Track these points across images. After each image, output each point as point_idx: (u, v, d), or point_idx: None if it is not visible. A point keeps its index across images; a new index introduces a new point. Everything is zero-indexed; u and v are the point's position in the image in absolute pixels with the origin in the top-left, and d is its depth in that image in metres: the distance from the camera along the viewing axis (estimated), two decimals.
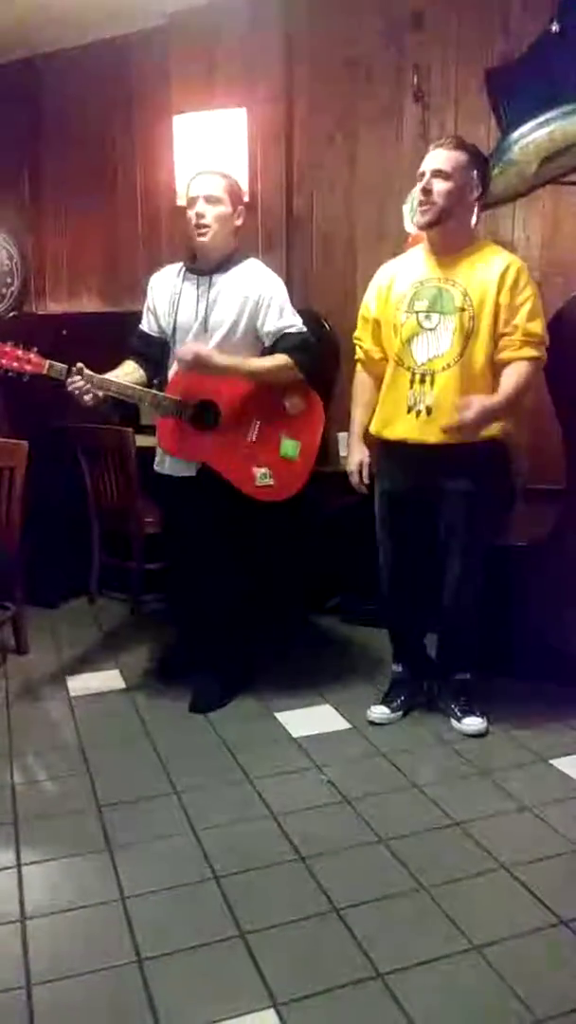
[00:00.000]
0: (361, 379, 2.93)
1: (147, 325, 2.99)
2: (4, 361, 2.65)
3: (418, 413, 2.67)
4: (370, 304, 2.84)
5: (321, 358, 2.91)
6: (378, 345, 2.82)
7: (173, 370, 2.90)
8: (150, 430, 3.03)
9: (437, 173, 2.61)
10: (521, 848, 2.22)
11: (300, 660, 3.46)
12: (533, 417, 3.33)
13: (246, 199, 3.05)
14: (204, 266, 2.88)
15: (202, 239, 2.82)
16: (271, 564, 3.54)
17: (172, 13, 4.07)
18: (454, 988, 1.76)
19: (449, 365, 2.64)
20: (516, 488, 3.10)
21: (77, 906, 2.02)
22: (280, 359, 2.83)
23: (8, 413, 3.98)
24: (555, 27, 3.26)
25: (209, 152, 4.06)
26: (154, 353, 2.96)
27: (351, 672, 3.38)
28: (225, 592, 3.03)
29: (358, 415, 2.92)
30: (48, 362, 2.68)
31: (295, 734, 2.88)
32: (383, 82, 3.77)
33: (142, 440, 3.57)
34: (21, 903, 2.03)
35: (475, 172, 2.65)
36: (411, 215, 3.40)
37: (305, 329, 2.88)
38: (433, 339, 2.66)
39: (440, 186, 2.60)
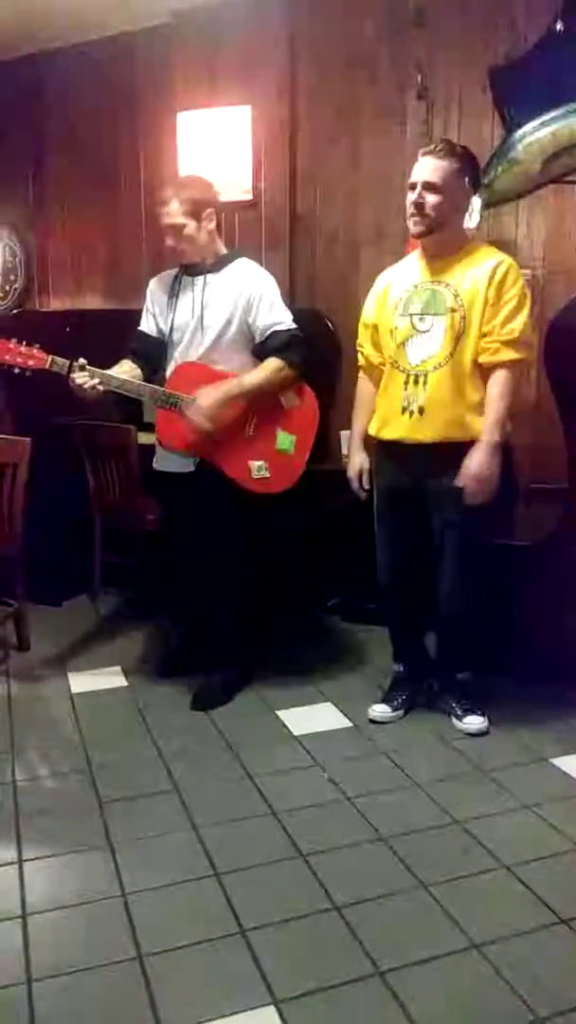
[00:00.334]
0: (363, 386, 2.96)
1: (146, 326, 3.05)
2: (7, 357, 2.73)
3: (411, 414, 2.69)
4: (370, 310, 2.87)
5: (311, 352, 2.96)
6: (378, 350, 2.84)
7: (171, 367, 2.96)
8: (152, 428, 3.04)
9: (428, 186, 2.60)
10: (521, 847, 2.22)
11: (302, 658, 3.47)
12: (533, 417, 3.33)
13: (220, 197, 3.05)
14: (197, 268, 2.95)
15: (180, 258, 2.94)
16: (273, 562, 3.55)
17: (176, 11, 4.07)
18: (454, 986, 1.77)
19: (440, 365, 2.65)
20: (515, 486, 3.10)
21: (78, 903, 2.03)
22: (272, 364, 2.88)
23: (12, 410, 3.99)
24: (559, 26, 3.26)
25: (213, 149, 4.07)
26: (151, 352, 3.02)
27: (352, 670, 3.39)
28: (226, 589, 3.05)
29: (359, 422, 2.94)
30: (51, 357, 2.75)
31: (296, 732, 2.89)
32: (386, 80, 3.77)
33: (144, 437, 3.58)
34: (22, 899, 2.03)
35: (466, 178, 2.66)
36: None
37: (294, 325, 2.92)
38: (426, 340, 2.67)
39: (432, 199, 2.60)
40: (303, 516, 3.56)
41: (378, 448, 2.87)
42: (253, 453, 2.93)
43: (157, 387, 2.89)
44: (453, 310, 2.63)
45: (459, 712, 2.89)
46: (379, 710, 2.95)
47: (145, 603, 4.01)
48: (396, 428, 2.73)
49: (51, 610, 3.99)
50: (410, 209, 2.64)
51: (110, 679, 3.32)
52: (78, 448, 3.96)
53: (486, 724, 2.85)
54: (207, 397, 2.81)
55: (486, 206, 3.46)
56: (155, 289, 3.05)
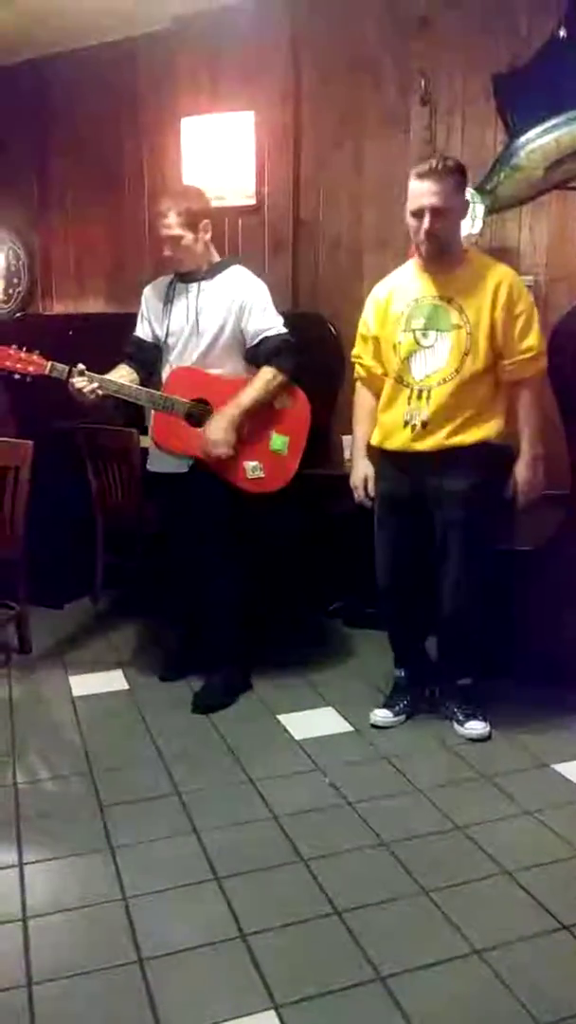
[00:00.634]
0: (362, 396, 2.96)
1: (141, 332, 3.10)
2: (8, 363, 2.79)
3: (413, 427, 2.71)
4: (369, 322, 2.86)
5: (301, 356, 3.00)
6: (378, 361, 2.84)
7: (167, 371, 3.01)
8: None
9: (436, 212, 2.58)
10: (523, 852, 2.22)
11: (303, 663, 3.47)
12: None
13: (224, 202, 3.13)
14: (192, 276, 3.00)
15: (177, 267, 2.99)
16: (271, 563, 3.55)
17: (177, 16, 4.08)
18: (455, 992, 1.76)
19: (445, 380, 2.66)
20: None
21: (78, 906, 2.03)
22: (265, 375, 2.94)
23: (14, 414, 4.00)
24: (562, 33, 3.27)
25: (216, 154, 4.08)
26: (147, 357, 3.07)
27: (354, 675, 3.38)
28: (225, 591, 3.07)
29: (360, 431, 2.95)
30: (50, 363, 2.82)
31: (297, 736, 2.88)
32: (389, 86, 3.78)
33: (146, 441, 3.59)
34: (23, 902, 2.03)
35: (463, 190, 2.68)
36: None
37: (284, 331, 2.97)
38: (431, 356, 2.69)
39: (442, 223, 2.60)
40: (300, 517, 3.57)
41: (379, 454, 2.88)
42: (248, 454, 2.97)
43: (154, 391, 2.96)
44: (458, 327, 2.64)
45: (461, 717, 2.88)
46: (381, 715, 2.95)
47: (146, 605, 4.01)
48: (398, 440, 2.75)
49: (53, 612, 3.99)
50: (420, 236, 2.62)
51: (111, 682, 3.32)
52: (80, 451, 3.97)
53: (488, 729, 2.85)
54: (216, 431, 2.88)
55: (489, 212, 3.47)
56: (150, 295, 3.11)
